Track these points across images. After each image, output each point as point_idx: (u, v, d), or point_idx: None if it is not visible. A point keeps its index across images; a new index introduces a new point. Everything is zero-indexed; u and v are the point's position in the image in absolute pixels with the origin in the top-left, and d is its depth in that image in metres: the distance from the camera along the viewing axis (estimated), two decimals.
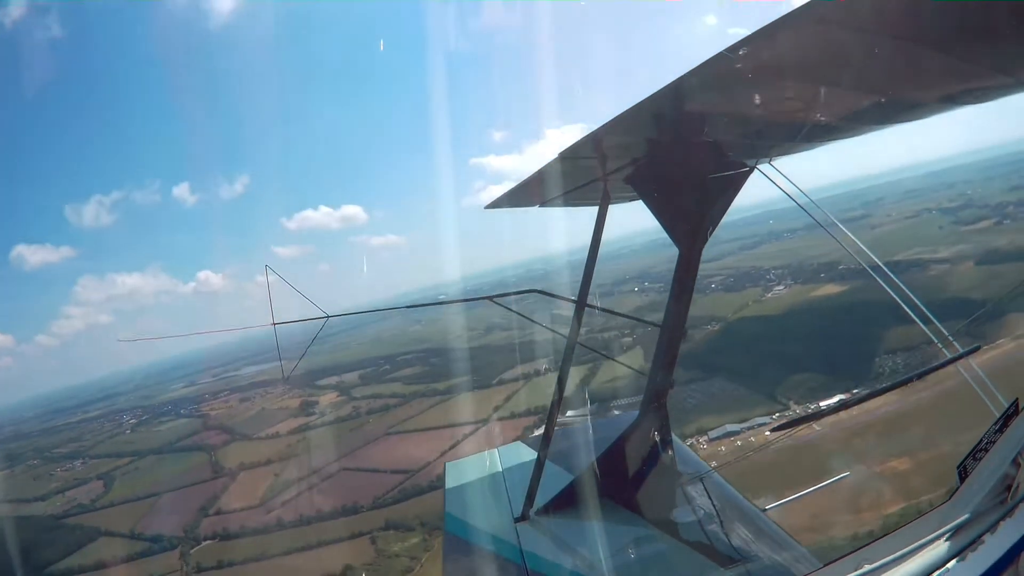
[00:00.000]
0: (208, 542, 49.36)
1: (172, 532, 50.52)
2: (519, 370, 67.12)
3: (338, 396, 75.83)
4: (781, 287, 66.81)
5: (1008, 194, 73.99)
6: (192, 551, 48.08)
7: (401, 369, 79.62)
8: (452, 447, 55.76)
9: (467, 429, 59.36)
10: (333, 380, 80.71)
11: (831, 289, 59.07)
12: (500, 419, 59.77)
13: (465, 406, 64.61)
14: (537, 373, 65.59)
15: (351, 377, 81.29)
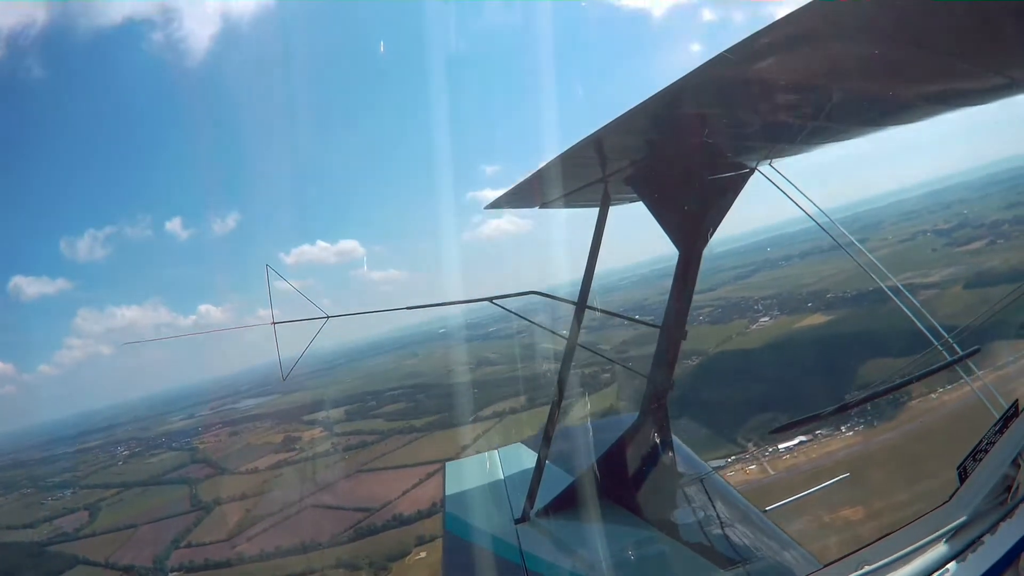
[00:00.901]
0: (174, 574, 51.35)
1: (143, 563, 52.73)
2: (499, 407, 68.55)
3: (321, 432, 77.28)
4: (767, 318, 65.06)
5: (1004, 212, 73.57)
6: None
7: (386, 405, 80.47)
8: (415, 486, 57.32)
9: (433, 468, 59.44)
10: (321, 415, 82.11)
11: (816, 319, 58.40)
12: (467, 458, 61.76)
13: (437, 444, 65.94)
14: (513, 411, 66.70)
15: (338, 412, 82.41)
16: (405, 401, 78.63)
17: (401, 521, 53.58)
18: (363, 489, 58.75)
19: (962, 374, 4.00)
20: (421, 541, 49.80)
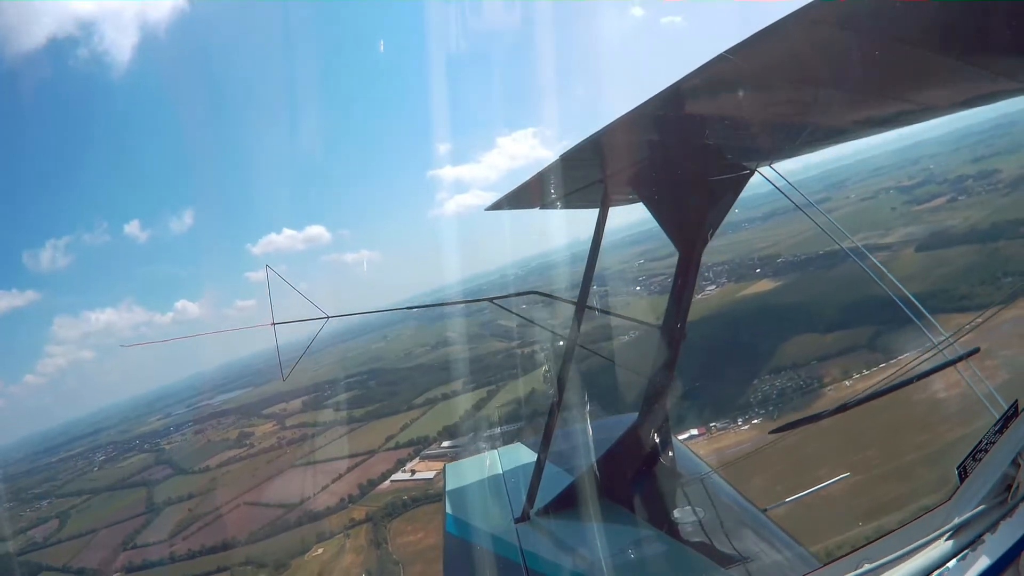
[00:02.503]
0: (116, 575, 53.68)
1: (94, 566, 55.12)
2: (435, 392, 69.54)
3: (273, 426, 77.86)
4: (713, 287, 62.23)
5: (970, 166, 71.75)
6: None
7: (339, 395, 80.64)
8: (334, 480, 59.30)
9: (354, 461, 62.85)
10: (278, 408, 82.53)
11: (763, 286, 57.18)
12: (386, 450, 63.42)
13: (368, 435, 67.18)
14: (445, 397, 68.29)
15: (295, 404, 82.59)
16: (357, 389, 79.00)
17: (312, 517, 55.29)
18: (292, 485, 60.36)
19: (962, 374, 4.01)
20: (322, 538, 51.87)
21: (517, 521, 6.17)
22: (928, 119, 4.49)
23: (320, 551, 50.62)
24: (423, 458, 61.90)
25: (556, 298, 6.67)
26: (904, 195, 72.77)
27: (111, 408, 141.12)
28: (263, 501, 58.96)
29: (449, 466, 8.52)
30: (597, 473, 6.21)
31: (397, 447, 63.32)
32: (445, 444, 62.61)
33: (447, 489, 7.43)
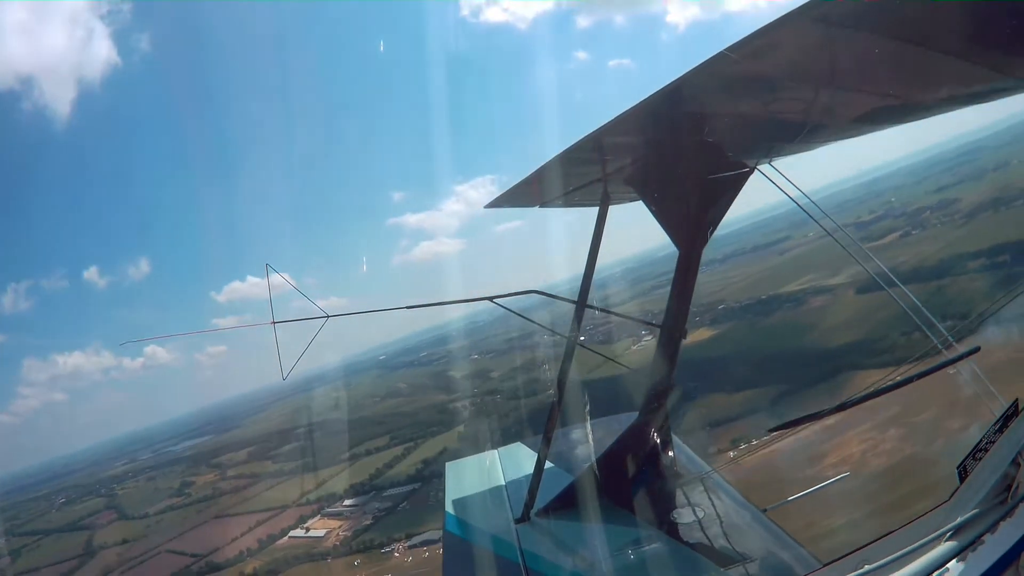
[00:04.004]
0: None
1: None
2: (362, 448, 71.71)
3: (215, 475, 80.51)
4: (651, 336, 63.95)
5: (930, 196, 71.36)
6: None
7: (283, 446, 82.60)
8: (243, 533, 62.20)
9: (268, 515, 65.85)
10: (226, 457, 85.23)
11: (700, 335, 55.22)
12: (297, 505, 66.15)
13: (288, 490, 70.01)
14: (368, 453, 70.67)
15: (241, 454, 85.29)
16: (299, 441, 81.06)
17: (213, 568, 57.96)
18: (212, 535, 63.13)
19: (962, 373, 4.00)
20: None
21: (517, 521, 6.16)
22: (927, 116, 4.48)
23: None
24: (324, 515, 64.14)
25: (556, 297, 6.66)
26: (860, 231, 71.07)
27: (85, 451, 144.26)
28: (181, 550, 61.95)
29: (449, 465, 8.52)
30: (597, 473, 6.20)
31: (307, 503, 66.57)
32: (347, 503, 65.14)
33: (447, 488, 7.42)
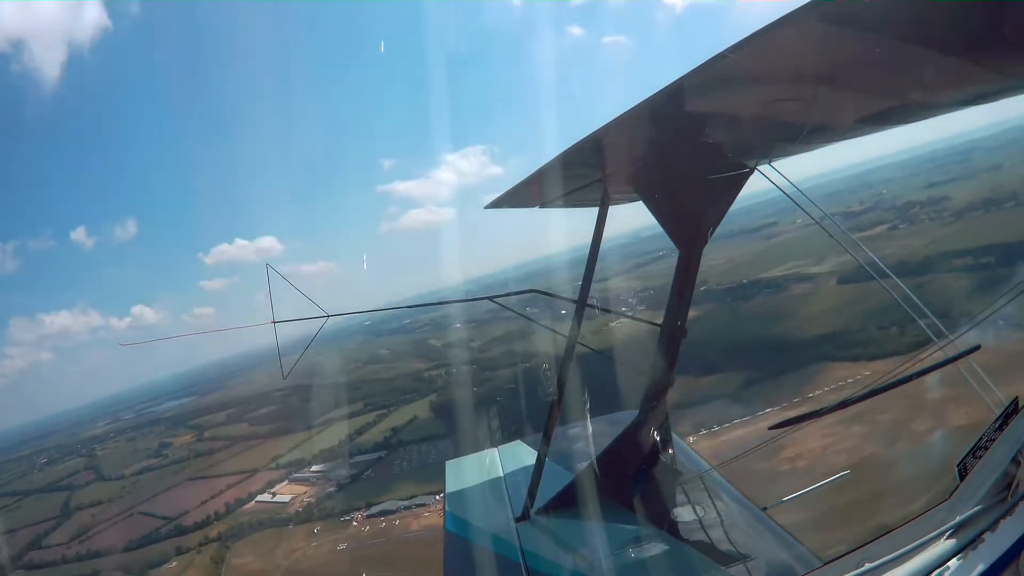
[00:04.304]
0: (19, 571, 58.20)
1: (5, 563, 58.00)
2: (335, 413, 72.15)
3: (192, 437, 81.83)
4: (623, 318, 63.58)
5: (920, 192, 70.98)
6: None
7: (260, 409, 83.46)
8: (213, 497, 63.68)
9: (239, 478, 67.20)
10: (204, 419, 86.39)
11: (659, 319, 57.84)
12: (268, 470, 67.69)
13: (260, 454, 71.41)
14: (340, 419, 71.33)
15: (220, 416, 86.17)
16: (276, 405, 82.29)
17: (181, 531, 59.02)
18: (182, 498, 64.83)
19: (962, 371, 4.00)
20: (180, 552, 55.64)
21: (517, 520, 6.17)
22: (928, 117, 4.48)
23: (175, 564, 54.52)
24: (291, 481, 65.18)
25: (556, 296, 6.66)
26: (848, 221, 71.96)
27: (70, 411, 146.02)
28: (152, 511, 63.33)
29: (449, 463, 8.51)
30: (597, 471, 6.20)
31: (277, 467, 67.74)
32: (314, 469, 66.26)
33: (447, 487, 7.43)
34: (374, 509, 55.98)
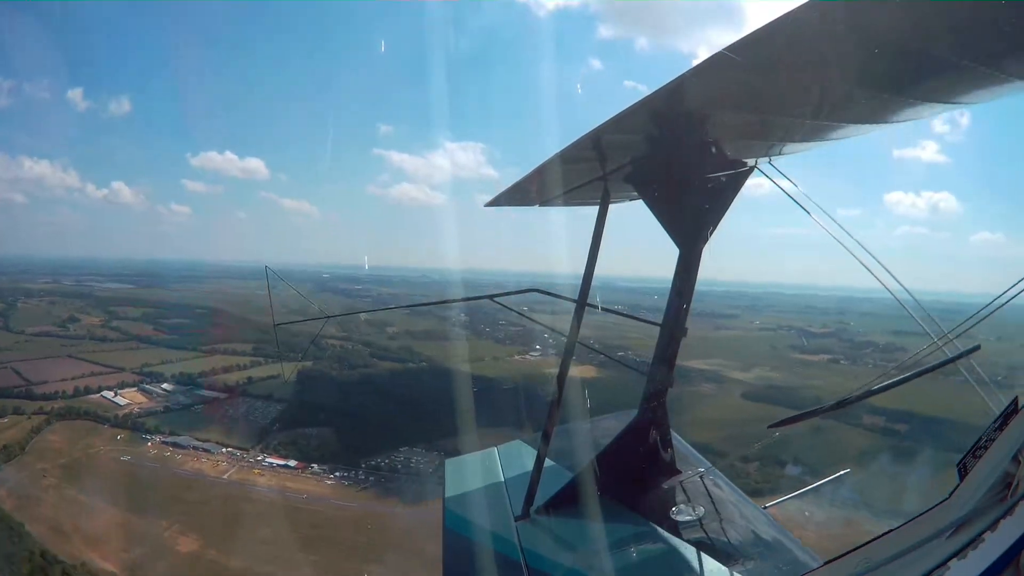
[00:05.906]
0: None
1: None
2: (220, 345, 78.10)
3: (100, 319, 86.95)
4: (538, 352, 62.22)
5: (883, 336, 66.21)
6: None
7: (172, 318, 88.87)
8: (75, 378, 67.57)
9: (110, 370, 72.23)
10: (120, 309, 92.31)
11: (586, 371, 55.52)
12: (133, 372, 72.82)
13: (144, 356, 76.62)
14: (227, 352, 76.42)
15: (135, 311, 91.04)
16: (186, 318, 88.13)
17: (28, 395, 64.11)
18: (49, 368, 68.60)
19: (962, 371, 4.00)
20: (15, 411, 61.04)
21: (517, 518, 6.17)
22: (927, 116, 4.48)
23: (6, 420, 59.25)
24: (139, 389, 69.17)
25: (556, 296, 6.66)
26: (801, 339, 70.27)
27: (23, 257, 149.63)
28: (20, 371, 67.36)
29: (448, 462, 8.51)
30: (597, 470, 6.20)
31: (139, 373, 71.35)
32: (166, 386, 70.20)
33: (446, 485, 7.42)
34: (171, 439, 60.18)
